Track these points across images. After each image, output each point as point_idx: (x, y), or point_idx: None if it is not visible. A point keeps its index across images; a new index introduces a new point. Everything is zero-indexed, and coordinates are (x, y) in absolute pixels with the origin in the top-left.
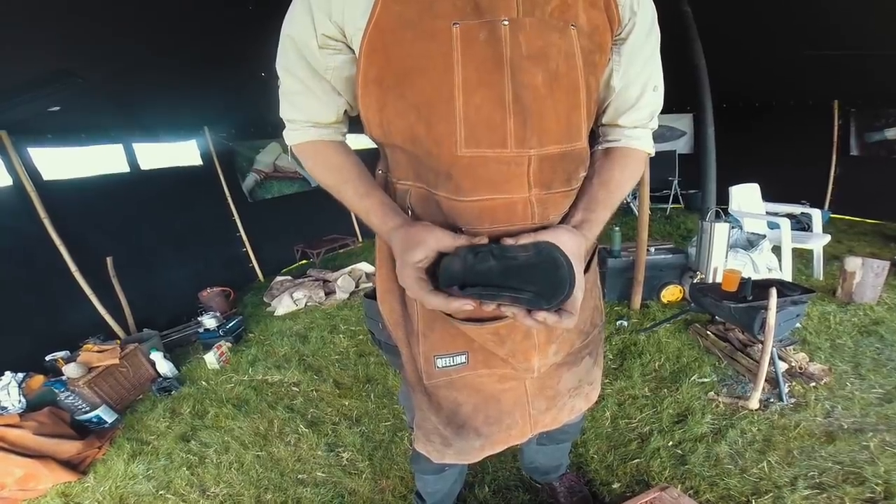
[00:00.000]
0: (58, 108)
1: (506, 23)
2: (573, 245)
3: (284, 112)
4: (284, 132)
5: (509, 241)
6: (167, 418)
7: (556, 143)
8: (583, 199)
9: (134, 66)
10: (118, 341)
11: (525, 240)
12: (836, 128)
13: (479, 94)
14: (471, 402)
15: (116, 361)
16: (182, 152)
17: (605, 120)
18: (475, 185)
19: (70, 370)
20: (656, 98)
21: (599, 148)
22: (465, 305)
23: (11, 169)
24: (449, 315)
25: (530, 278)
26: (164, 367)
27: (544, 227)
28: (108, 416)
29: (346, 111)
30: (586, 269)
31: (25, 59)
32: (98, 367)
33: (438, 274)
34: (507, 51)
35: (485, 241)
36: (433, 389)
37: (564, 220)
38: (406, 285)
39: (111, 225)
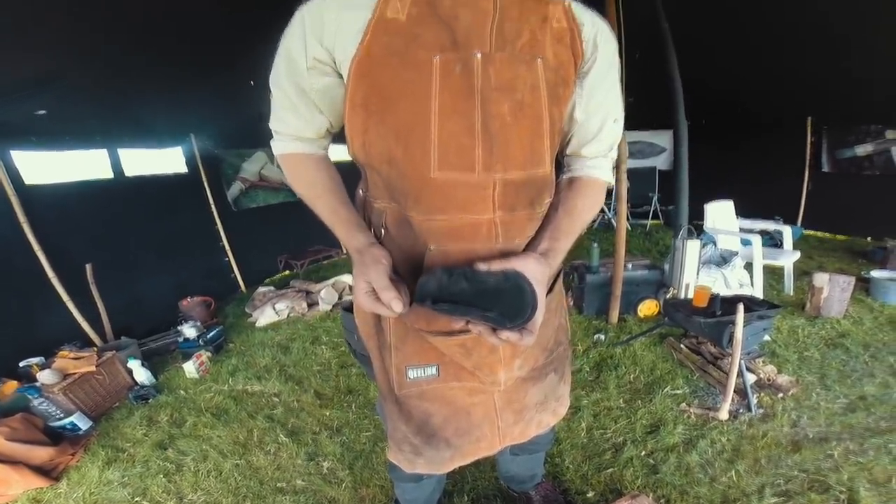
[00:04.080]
0: (44, 111)
1: (478, 56)
2: (538, 272)
3: (272, 123)
4: (272, 141)
5: (482, 267)
6: (144, 426)
7: (519, 169)
8: (548, 227)
9: (122, 71)
10: (95, 349)
11: (496, 266)
12: (808, 144)
13: (452, 121)
14: (441, 413)
15: (93, 369)
16: (167, 159)
17: (568, 151)
18: (444, 206)
19: (45, 377)
20: (616, 129)
21: (564, 178)
22: (395, 306)
23: None
24: (420, 329)
25: (497, 300)
26: (142, 375)
27: (514, 254)
28: (83, 423)
29: (327, 129)
30: (550, 291)
31: (12, 61)
32: (74, 374)
33: (415, 289)
34: (479, 82)
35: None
36: (404, 399)
37: (531, 245)
38: (355, 294)
39: (92, 231)
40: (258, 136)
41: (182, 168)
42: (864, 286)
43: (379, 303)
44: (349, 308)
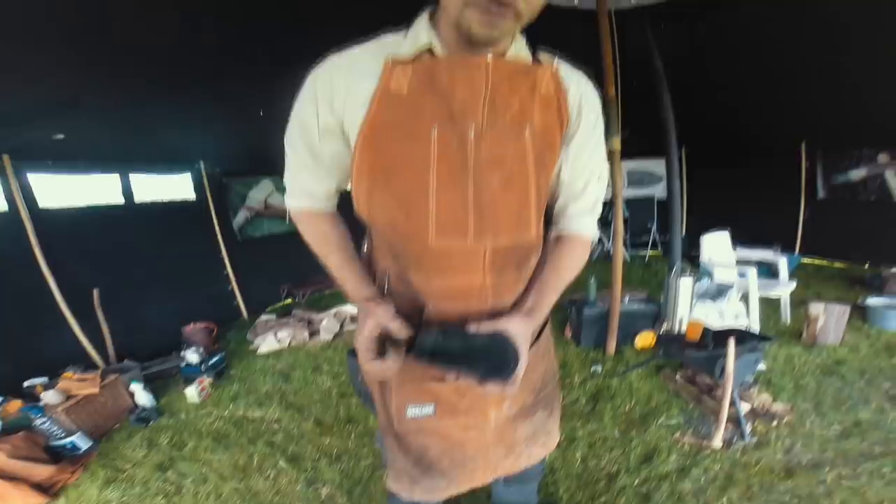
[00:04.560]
0: (62, 136)
1: (472, 131)
2: (523, 330)
3: (286, 180)
4: (286, 197)
5: (473, 329)
6: (144, 448)
7: (508, 235)
8: (536, 283)
9: (137, 96)
10: (99, 371)
11: (485, 328)
12: (803, 170)
13: (448, 193)
14: (437, 446)
15: (96, 391)
16: (176, 185)
17: (556, 208)
18: (441, 270)
19: (49, 397)
20: (600, 187)
21: (552, 234)
22: (389, 371)
23: (9, 194)
24: (417, 376)
25: (484, 359)
26: (143, 398)
27: (502, 314)
28: (83, 443)
29: (336, 188)
30: (537, 339)
31: (34, 86)
32: (77, 395)
33: (414, 345)
34: (472, 156)
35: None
36: (403, 434)
37: (519, 302)
38: (358, 348)
39: (101, 256)
40: (265, 165)
41: (190, 195)
42: (862, 313)
43: (369, 359)
44: (354, 352)
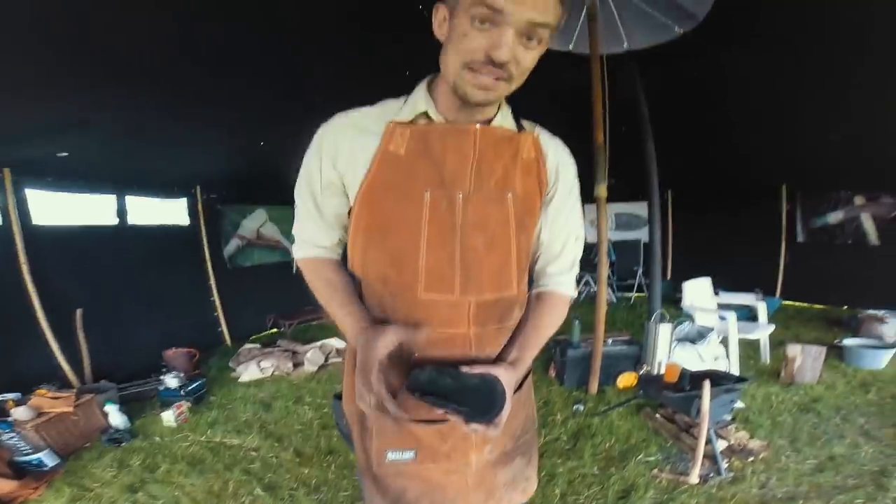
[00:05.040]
0: (66, 153)
1: (460, 196)
2: (507, 378)
3: (295, 230)
4: (293, 246)
5: (465, 369)
6: (114, 468)
7: (490, 292)
8: (519, 338)
9: (141, 120)
10: (74, 390)
11: (477, 370)
12: (784, 213)
13: (437, 252)
14: (417, 489)
15: (70, 409)
16: (171, 210)
17: (536, 268)
18: (428, 321)
19: (19, 413)
20: (577, 247)
21: (532, 292)
22: (391, 408)
23: (4, 208)
24: (403, 418)
25: (473, 398)
26: (117, 419)
27: (489, 363)
28: (50, 460)
29: (340, 239)
30: (519, 388)
31: (41, 103)
32: (49, 412)
33: (408, 380)
34: (459, 219)
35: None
36: (381, 476)
37: (502, 354)
38: (362, 375)
39: (88, 276)
40: (261, 194)
41: (184, 220)
42: (839, 352)
43: (365, 388)
44: (339, 396)
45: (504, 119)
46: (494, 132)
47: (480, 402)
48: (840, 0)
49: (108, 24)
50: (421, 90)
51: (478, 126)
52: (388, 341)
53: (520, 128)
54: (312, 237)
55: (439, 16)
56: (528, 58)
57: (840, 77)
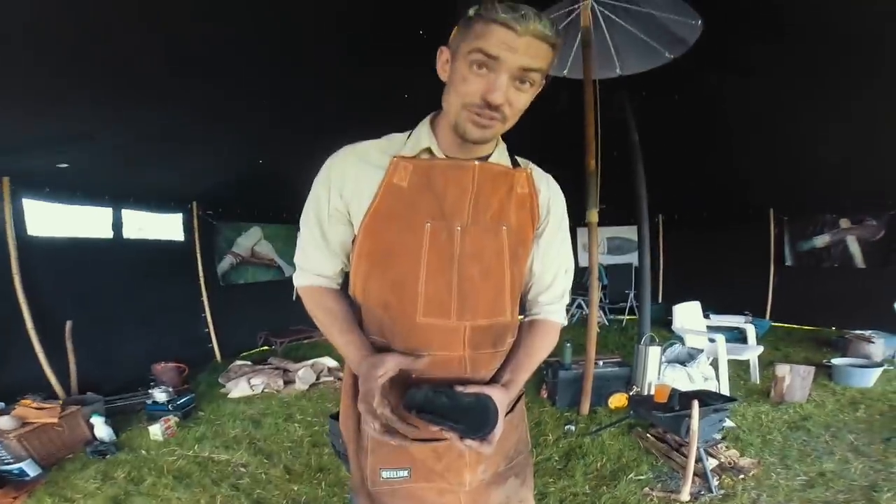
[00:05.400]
0: (66, 165)
1: (459, 228)
2: (500, 398)
3: (297, 259)
4: (294, 274)
5: (460, 389)
6: (98, 480)
7: (484, 318)
8: (511, 362)
9: (141, 134)
10: (60, 401)
11: (471, 390)
12: (772, 237)
13: (436, 280)
14: None
15: (55, 420)
16: (166, 225)
17: (528, 297)
18: (425, 344)
19: (2, 422)
20: (567, 279)
21: (525, 320)
22: (399, 427)
23: (1, 218)
24: (400, 436)
25: (467, 415)
26: (103, 431)
27: (483, 384)
28: (32, 470)
29: (342, 268)
30: (511, 410)
31: (44, 116)
32: (33, 423)
33: (405, 398)
34: (457, 250)
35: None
36: (376, 495)
37: (496, 377)
38: (365, 397)
39: (80, 288)
40: (256, 211)
41: (179, 236)
42: (828, 372)
43: (370, 412)
44: (336, 416)
45: (500, 156)
46: (492, 168)
47: (474, 419)
48: (825, 28)
49: (109, 41)
50: (424, 126)
51: (476, 162)
52: (388, 368)
53: (514, 164)
54: (315, 266)
55: (442, 58)
56: (521, 100)
57: (825, 103)
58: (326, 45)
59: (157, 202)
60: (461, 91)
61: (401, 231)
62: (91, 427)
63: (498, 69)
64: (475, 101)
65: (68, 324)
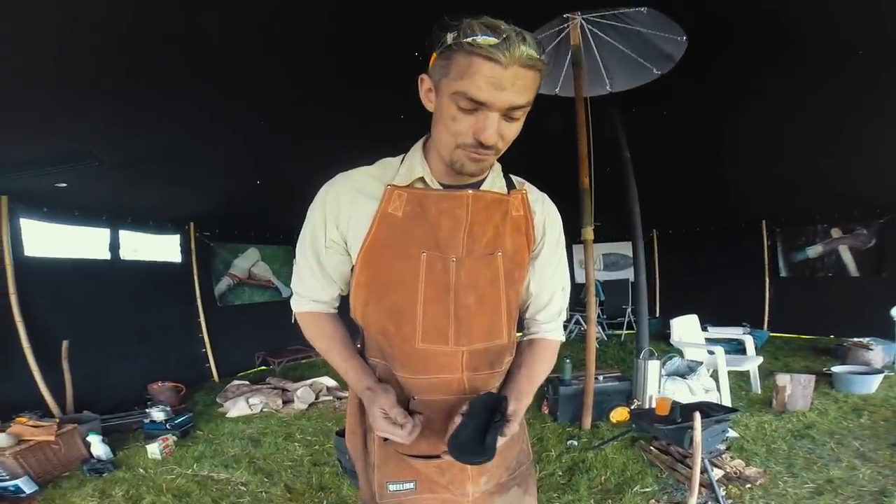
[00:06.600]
0: (65, 184)
1: (454, 260)
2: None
3: (294, 285)
4: (291, 300)
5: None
6: (96, 498)
7: (481, 342)
8: (514, 390)
9: (140, 156)
10: (56, 420)
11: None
12: (766, 249)
13: (433, 309)
14: None
15: (52, 438)
16: (164, 246)
17: (526, 316)
18: (425, 368)
19: None
20: (564, 297)
21: (524, 339)
22: (403, 425)
23: None
24: (402, 452)
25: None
26: (100, 449)
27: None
28: (28, 487)
29: (338, 294)
30: None
31: (45, 135)
32: (29, 440)
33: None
34: (453, 280)
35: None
36: None
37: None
38: (374, 419)
39: (77, 309)
40: (254, 233)
41: (176, 257)
42: (829, 380)
43: (393, 426)
44: (342, 433)
45: (494, 180)
46: (485, 196)
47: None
48: (811, 41)
49: (107, 62)
50: (417, 153)
51: (470, 192)
52: (389, 397)
53: (509, 184)
54: (312, 292)
55: (424, 87)
56: (512, 130)
57: (812, 114)
58: (321, 68)
59: (155, 223)
60: (453, 130)
61: (396, 260)
62: (88, 445)
63: (486, 110)
64: (468, 140)
65: (65, 343)
